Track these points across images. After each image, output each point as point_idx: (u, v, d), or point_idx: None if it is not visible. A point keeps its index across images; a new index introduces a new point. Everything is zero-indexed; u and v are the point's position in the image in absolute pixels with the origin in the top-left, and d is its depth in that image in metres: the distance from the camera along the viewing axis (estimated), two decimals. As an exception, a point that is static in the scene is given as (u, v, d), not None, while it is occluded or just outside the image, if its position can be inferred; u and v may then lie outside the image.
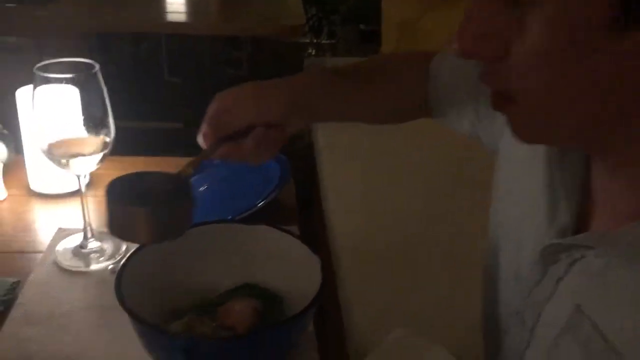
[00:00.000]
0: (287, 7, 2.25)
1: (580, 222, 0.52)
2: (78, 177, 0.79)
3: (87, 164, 0.76)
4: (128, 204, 0.58)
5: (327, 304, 1.53)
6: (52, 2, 2.07)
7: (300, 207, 1.04)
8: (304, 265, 0.68)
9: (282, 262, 0.71)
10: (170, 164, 1.03)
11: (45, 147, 0.74)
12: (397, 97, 0.79)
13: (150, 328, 0.56)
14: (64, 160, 0.74)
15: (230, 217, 0.91)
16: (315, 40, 4.41)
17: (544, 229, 0.54)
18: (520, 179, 0.60)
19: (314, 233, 1.79)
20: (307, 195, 1.93)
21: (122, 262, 0.66)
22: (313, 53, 4.61)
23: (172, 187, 0.62)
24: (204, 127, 0.66)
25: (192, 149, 0.69)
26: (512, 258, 0.60)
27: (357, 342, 1.29)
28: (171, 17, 2.29)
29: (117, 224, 0.59)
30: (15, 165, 1.03)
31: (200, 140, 0.66)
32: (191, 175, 0.63)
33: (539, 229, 0.55)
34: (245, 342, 0.56)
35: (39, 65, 0.72)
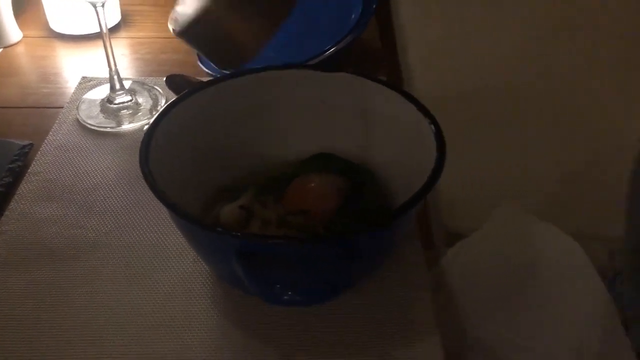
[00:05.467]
0: None
1: None
2: (94, 5, 0.58)
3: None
4: None
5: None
6: None
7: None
8: (406, 130, 0.48)
9: (374, 125, 0.51)
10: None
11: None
12: None
13: (191, 223, 0.38)
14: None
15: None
16: None
17: None
18: None
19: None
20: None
21: (152, 121, 0.47)
22: None
23: None
24: None
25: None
26: None
27: (446, 214, 1.12)
28: None
29: None
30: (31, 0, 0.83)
31: None
32: None
33: None
34: (332, 245, 0.38)
35: None
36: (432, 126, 0.45)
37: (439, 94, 1.31)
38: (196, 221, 0.38)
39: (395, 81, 1.29)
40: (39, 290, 0.47)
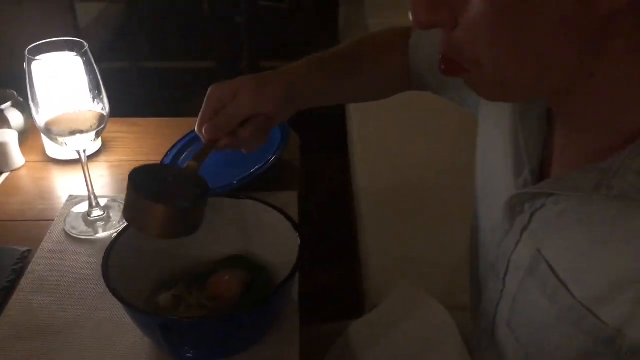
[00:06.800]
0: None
1: (545, 174, 0.58)
2: (78, 151, 0.82)
3: (85, 140, 0.79)
4: (149, 198, 0.61)
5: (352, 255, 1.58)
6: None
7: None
8: (287, 240, 0.70)
9: (268, 236, 0.74)
10: (189, 125, 1.05)
11: (42, 125, 0.77)
12: (385, 78, 0.84)
13: (129, 306, 0.60)
14: (61, 139, 0.77)
15: (235, 182, 0.94)
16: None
17: (512, 182, 0.59)
18: (493, 138, 0.65)
19: (345, 179, 1.81)
20: (341, 141, 1.95)
21: (113, 236, 0.70)
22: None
23: (189, 184, 0.67)
24: (205, 123, 0.70)
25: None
26: (489, 212, 0.66)
27: (373, 292, 1.32)
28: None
29: (132, 213, 0.62)
30: (33, 131, 1.08)
31: (202, 133, 0.71)
32: (199, 168, 0.69)
33: (508, 183, 0.60)
34: (216, 322, 0.60)
35: (31, 46, 0.74)
36: (299, 240, 0.68)
37: (377, 185, 1.56)
38: (132, 306, 0.60)
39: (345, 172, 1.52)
40: (33, 358, 0.68)
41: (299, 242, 0.67)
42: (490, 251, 0.64)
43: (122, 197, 0.93)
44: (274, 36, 3.16)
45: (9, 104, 1.03)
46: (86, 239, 0.85)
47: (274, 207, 0.73)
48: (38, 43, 0.75)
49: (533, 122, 0.58)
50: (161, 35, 3.28)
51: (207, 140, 0.71)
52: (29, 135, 1.08)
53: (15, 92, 1.06)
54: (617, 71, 0.45)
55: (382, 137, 1.75)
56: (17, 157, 1.01)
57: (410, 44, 0.81)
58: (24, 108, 1.05)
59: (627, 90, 0.46)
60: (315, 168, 2.09)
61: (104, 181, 0.98)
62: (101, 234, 0.86)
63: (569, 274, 0.51)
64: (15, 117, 1.04)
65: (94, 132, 0.78)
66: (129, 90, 2.58)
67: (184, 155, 1.02)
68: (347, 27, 2.48)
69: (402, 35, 0.83)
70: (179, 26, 3.31)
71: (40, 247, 0.83)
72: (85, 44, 0.76)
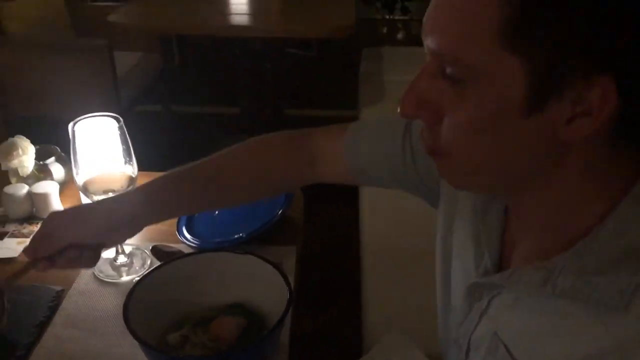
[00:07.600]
0: (339, 7, 2.36)
1: (503, 265, 0.64)
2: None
3: (115, 198, 0.93)
4: None
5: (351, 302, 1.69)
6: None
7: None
8: (280, 292, 0.82)
9: (264, 288, 0.86)
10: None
11: (81, 184, 0.92)
12: (260, 183, 0.90)
13: (143, 344, 0.73)
14: (95, 197, 0.92)
15: (244, 235, 1.07)
16: (388, 17, 4.56)
17: (472, 270, 0.65)
18: (456, 227, 0.71)
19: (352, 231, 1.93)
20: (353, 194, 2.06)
21: (134, 282, 0.83)
22: (385, 31, 4.77)
23: None
24: (29, 244, 0.80)
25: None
26: (454, 291, 0.71)
27: (370, 339, 1.42)
28: (233, 19, 2.46)
29: None
30: (71, 182, 1.22)
31: (24, 254, 0.80)
32: (12, 285, 0.79)
33: (469, 269, 0.66)
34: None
35: (74, 121, 0.90)
36: (288, 294, 0.80)
37: (380, 245, 1.67)
38: (146, 344, 0.73)
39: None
40: (61, 383, 0.81)
41: (288, 297, 0.79)
42: (453, 328, 0.70)
43: (144, 245, 1.07)
44: (299, 84, 3.32)
45: (52, 159, 1.19)
46: (112, 282, 0.99)
47: (271, 263, 0.86)
48: (81, 117, 0.90)
49: (492, 215, 0.64)
50: (192, 81, 3.49)
51: (27, 262, 0.79)
52: (67, 185, 1.23)
53: (58, 148, 1.21)
54: (570, 182, 0.53)
55: (390, 193, 1.86)
56: (57, 206, 1.16)
57: (348, 146, 0.84)
58: (65, 162, 1.21)
59: (575, 199, 0.54)
60: (326, 217, 2.22)
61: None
62: (125, 278, 0.99)
63: (523, 355, 0.57)
64: (57, 170, 1.19)
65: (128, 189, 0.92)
66: (161, 132, 2.77)
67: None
68: (365, 82, 2.63)
69: (291, 139, 0.89)
70: (211, 73, 3.51)
71: (72, 287, 0.97)
72: (121, 119, 0.90)
